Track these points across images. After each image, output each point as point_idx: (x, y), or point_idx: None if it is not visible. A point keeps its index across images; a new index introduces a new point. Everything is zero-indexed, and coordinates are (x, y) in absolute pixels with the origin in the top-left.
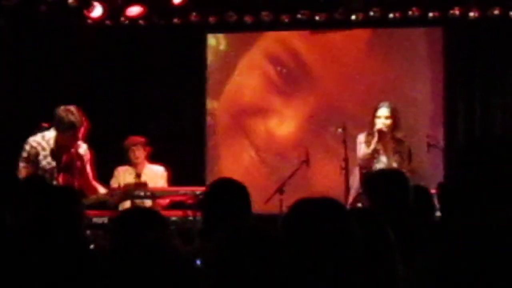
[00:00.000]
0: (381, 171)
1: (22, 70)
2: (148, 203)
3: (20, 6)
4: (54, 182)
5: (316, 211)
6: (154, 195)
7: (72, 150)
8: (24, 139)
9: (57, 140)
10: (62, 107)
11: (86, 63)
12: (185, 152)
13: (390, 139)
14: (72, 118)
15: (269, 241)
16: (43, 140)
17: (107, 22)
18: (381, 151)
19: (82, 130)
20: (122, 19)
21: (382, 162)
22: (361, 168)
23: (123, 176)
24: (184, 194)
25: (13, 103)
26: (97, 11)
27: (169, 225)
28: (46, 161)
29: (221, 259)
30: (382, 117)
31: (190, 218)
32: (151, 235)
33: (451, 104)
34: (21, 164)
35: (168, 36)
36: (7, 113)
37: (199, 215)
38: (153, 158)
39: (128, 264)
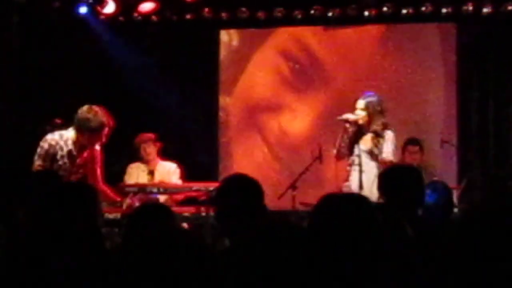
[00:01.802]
0: (395, 167)
1: (34, 66)
2: (162, 199)
3: (33, 3)
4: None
5: (344, 205)
6: (167, 191)
7: (86, 152)
8: (36, 135)
9: (76, 141)
10: (86, 108)
11: (98, 59)
12: (197, 148)
13: (367, 131)
14: (98, 119)
15: (299, 236)
16: (61, 140)
17: (120, 18)
18: (359, 143)
19: (106, 131)
20: (135, 15)
21: (356, 154)
22: (335, 158)
23: (136, 173)
24: (197, 190)
25: (25, 99)
26: (109, 7)
27: (178, 220)
28: (63, 161)
29: (251, 255)
30: (358, 109)
31: (203, 214)
32: (163, 229)
33: (464, 100)
34: (37, 162)
35: (180, 32)
36: (19, 110)
37: (211, 211)
38: (166, 155)
39: (140, 259)
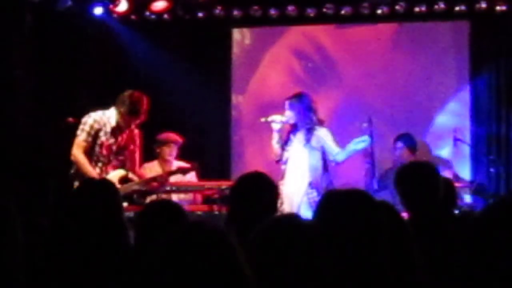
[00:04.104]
0: (412, 164)
1: (48, 65)
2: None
3: (46, 2)
4: (111, 158)
5: (346, 202)
6: (180, 190)
7: (127, 132)
8: (51, 134)
9: (118, 119)
10: (131, 92)
11: (111, 57)
12: (210, 146)
13: (301, 130)
14: (139, 106)
15: (308, 231)
16: (104, 116)
17: (132, 16)
18: (294, 142)
19: (141, 118)
20: (147, 13)
21: (291, 153)
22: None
23: (150, 173)
24: (210, 189)
25: (39, 99)
26: (122, 5)
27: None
28: (106, 138)
29: (262, 251)
30: (286, 110)
31: (216, 212)
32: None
33: (477, 98)
34: (82, 137)
35: (193, 30)
36: (33, 109)
37: (224, 210)
38: (179, 153)
39: (164, 254)
